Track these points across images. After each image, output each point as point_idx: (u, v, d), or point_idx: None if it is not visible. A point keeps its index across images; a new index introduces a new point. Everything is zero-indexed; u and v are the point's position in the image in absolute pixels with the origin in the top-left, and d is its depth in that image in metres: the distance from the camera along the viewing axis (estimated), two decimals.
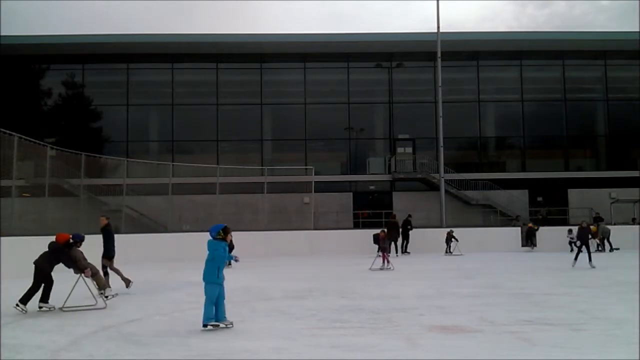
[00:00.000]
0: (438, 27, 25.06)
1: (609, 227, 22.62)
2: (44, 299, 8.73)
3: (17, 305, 8.41)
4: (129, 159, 23.95)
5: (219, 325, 7.06)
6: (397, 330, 6.84)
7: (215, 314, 7.05)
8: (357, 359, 5.52)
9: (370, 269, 15.59)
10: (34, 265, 8.81)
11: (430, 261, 18.77)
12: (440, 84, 25.18)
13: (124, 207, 21.93)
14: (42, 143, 18.31)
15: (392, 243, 21.04)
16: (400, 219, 22.59)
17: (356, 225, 27.40)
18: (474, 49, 29.11)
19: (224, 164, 25.86)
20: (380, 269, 15.77)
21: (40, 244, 14.70)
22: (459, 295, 9.94)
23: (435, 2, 25.25)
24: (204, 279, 7.16)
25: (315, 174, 25.12)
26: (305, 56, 29.30)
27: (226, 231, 7.45)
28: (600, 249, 21.73)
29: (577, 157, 30.82)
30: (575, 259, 15.57)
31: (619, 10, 55.22)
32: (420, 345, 6.02)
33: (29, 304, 8.46)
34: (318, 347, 6.01)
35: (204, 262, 7.23)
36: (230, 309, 8.74)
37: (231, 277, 14.12)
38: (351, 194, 28.83)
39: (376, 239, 17.05)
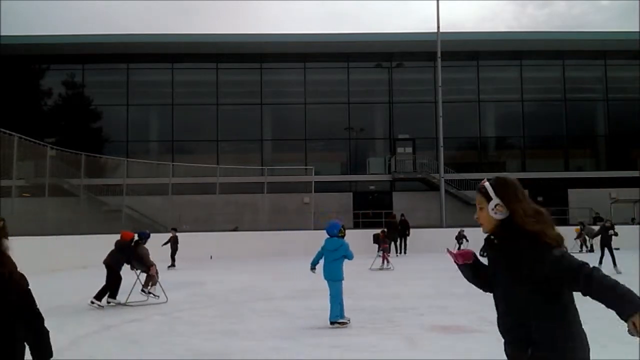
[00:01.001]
0: (438, 27, 25.06)
1: (595, 227, 22.51)
2: (112, 295, 9.13)
3: (93, 302, 8.74)
4: (129, 159, 23.98)
5: (346, 322, 7.08)
6: (398, 330, 6.84)
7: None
8: (358, 359, 5.52)
9: (370, 268, 15.61)
10: (104, 265, 9.26)
11: (431, 261, 18.75)
12: (440, 84, 25.17)
13: (124, 207, 21.97)
14: (42, 143, 18.32)
15: (392, 243, 21.12)
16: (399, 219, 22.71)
17: (356, 225, 27.38)
18: (474, 49, 29.10)
19: (224, 164, 25.88)
20: (380, 268, 15.80)
21: (40, 244, 14.75)
22: (459, 295, 9.93)
23: (435, 2, 25.28)
24: (331, 277, 7.11)
25: (315, 174, 25.13)
26: (305, 56, 29.29)
27: (345, 228, 7.55)
28: (582, 250, 21.86)
29: (577, 157, 30.82)
30: (600, 263, 13.84)
31: (618, 10, 55.22)
32: (421, 345, 6.02)
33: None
34: (318, 347, 6.01)
35: (322, 260, 7.27)
36: (230, 309, 8.75)
37: (231, 277, 14.14)
38: (351, 194, 28.82)
39: (376, 238, 17.07)
